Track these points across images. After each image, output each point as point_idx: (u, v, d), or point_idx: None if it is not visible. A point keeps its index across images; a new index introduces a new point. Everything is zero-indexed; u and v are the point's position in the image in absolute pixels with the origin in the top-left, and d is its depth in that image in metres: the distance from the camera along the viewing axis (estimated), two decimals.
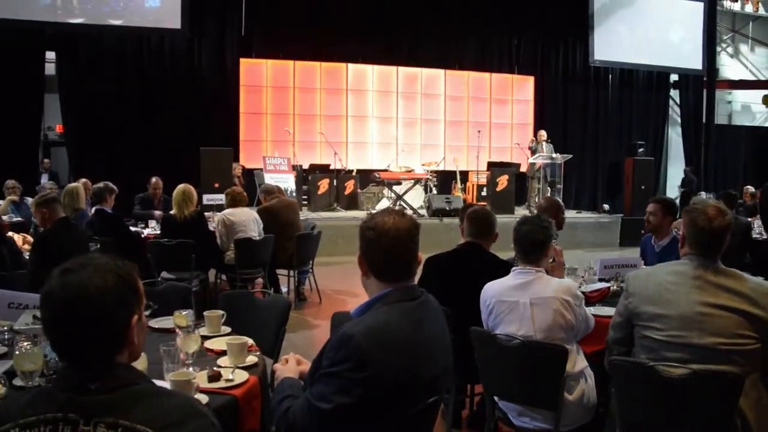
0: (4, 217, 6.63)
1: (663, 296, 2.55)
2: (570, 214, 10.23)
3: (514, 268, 3.15)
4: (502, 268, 3.62)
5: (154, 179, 8.35)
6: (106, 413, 1.34)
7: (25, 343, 2.26)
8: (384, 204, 11.51)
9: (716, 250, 2.57)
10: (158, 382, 2.15)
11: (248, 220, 6.57)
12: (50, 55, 11.83)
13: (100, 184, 6.55)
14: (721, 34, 17.25)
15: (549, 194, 12.04)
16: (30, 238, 5.58)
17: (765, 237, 7.54)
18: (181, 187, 6.38)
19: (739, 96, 18.58)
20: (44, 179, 11.50)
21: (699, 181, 15.43)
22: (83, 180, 7.70)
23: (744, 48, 18.36)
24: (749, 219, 7.74)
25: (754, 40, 18.34)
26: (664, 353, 2.47)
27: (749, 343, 2.43)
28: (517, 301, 3.00)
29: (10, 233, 5.49)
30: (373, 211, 2.20)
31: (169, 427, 1.35)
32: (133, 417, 1.35)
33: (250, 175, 11.78)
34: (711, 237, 2.55)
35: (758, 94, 18.07)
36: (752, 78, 18.30)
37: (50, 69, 11.86)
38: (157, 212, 7.76)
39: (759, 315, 2.43)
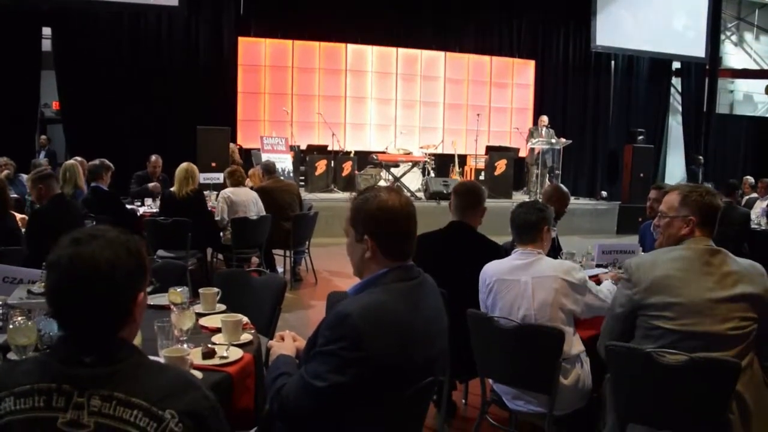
0: None
1: (672, 285, 2.51)
2: None
3: (515, 250, 3.14)
4: (490, 249, 3.62)
5: (153, 157, 8.30)
6: (101, 386, 1.34)
7: (19, 318, 2.25)
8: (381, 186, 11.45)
9: (714, 227, 2.60)
10: (153, 358, 2.14)
11: (249, 201, 6.56)
12: (46, 31, 11.70)
13: (96, 162, 6.51)
14: (725, 22, 17.11)
15: (548, 180, 12.04)
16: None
17: (762, 227, 7.56)
18: (184, 165, 6.37)
19: (742, 85, 18.48)
20: (42, 156, 11.45)
21: (703, 173, 15.35)
22: (78, 158, 7.65)
23: (749, 36, 18.23)
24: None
25: (760, 28, 18.17)
26: (676, 343, 2.44)
27: (752, 325, 2.46)
28: (518, 280, 3.00)
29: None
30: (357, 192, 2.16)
31: (163, 400, 1.35)
32: (127, 389, 1.35)
33: (247, 154, 11.74)
34: (713, 214, 2.59)
35: (761, 84, 17.95)
36: (756, 67, 18.16)
37: (46, 45, 11.75)
38: (152, 184, 7.72)
39: (758, 293, 2.46)
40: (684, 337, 2.45)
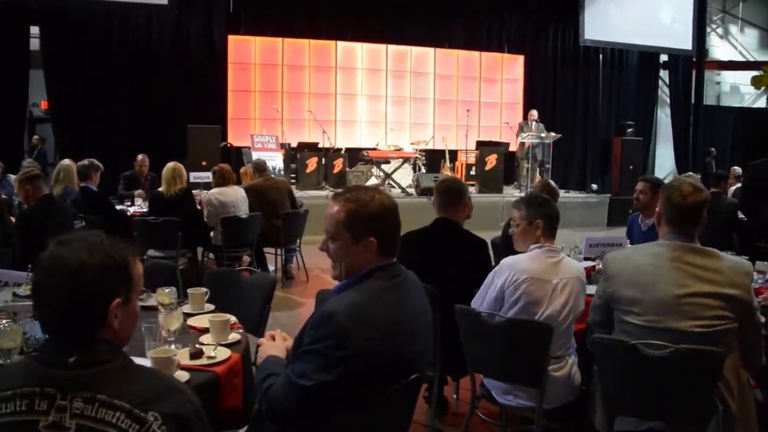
0: None
1: (641, 280, 2.53)
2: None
3: (538, 246, 3.07)
4: (474, 245, 3.63)
5: (140, 156, 8.28)
6: (84, 388, 1.35)
7: (4, 321, 2.24)
8: (372, 183, 11.47)
9: (692, 226, 2.55)
10: (140, 359, 2.14)
11: (237, 200, 6.53)
12: (34, 29, 11.61)
13: (85, 162, 6.49)
14: (711, 15, 17.19)
15: (538, 174, 12.07)
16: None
17: None
18: (170, 164, 6.35)
19: (728, 77, 18.59)
20: (34, 156, 11.39)
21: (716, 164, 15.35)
22: (66, 160, 7.60)
23: (734, 29, 18.33)
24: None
25: (744, 21, 18.30)
26: (643, 338, 2.45)
27: (726, 324, 2.43)
28: (550, 281, 2.96)
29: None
30: (338, 191, 2.18)
31: (146, 403, 1.35)
32: (111, 392, 1.35)
33: (238, 153, 11.72)
34: (686, 213, 2.54)
35: (747, 75, 18.09)
36: (741, 59, 18.29)
37: (34, 44, 11.66)
38: (138, 191, 7.68)
39: (735, 295, 2.42)
40: (650, 333, 2.45)
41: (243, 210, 6.52)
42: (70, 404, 1.33)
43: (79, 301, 1.40)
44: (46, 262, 1.42)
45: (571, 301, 2.96)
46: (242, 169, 8.18)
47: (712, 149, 15.84)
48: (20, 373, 1.39)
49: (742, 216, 7.42)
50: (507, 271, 3.01)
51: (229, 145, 11.95)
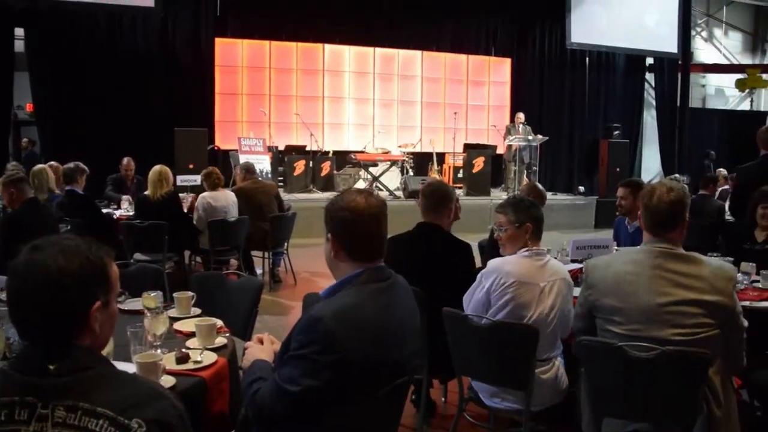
0: None
1: (622, 288, 2.51)
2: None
3: (527, 249, 3.06)
4: (458, 249, 3.62)
5: (125, 160, 8.24)
6: (65, 396, 1.33)
7: None
8: (360, 186, 11.47)
9: (667, 228, 2.51)
10: (126, 365, 2.13)
11: (229, 205, 6.52)
12: (19, 31, 11.51)
13: (71, 165, 6.45)
14: (695, 18, 17.32)
15: (525, 176, 12.11)
16: None
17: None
18: (156, 167, 6.33)
19: (713, 80, 18.74)
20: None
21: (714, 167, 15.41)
22: (52, 163, 7.55)
23: (718, 32, 18.49)
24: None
25: (728, 25, 18.46)
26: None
27: (708, 331, 2.42)
28: (537, 284, 2.95)
29: None
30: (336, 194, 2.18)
31: (129, 410, 1.33)
32: (93, 400, 1.33)
33: (225, 155, 11.68)
34: (660, 215, 2.50)
35: (731, 78, 18.24)
36: (726, 62, 18.45)
37: (19, 46, 11.55)
38: (125, 196, 7.64)
39: (717, 301, 2.41)
40: (631, 341, 2.43)
41: (233, 214, 6.50)
42: (52, 413, 1.31)
43: (60, 307, 1.38)
44: (20, 268, 1.38)
45: (558, 303, 2.96)
46: (235, 172, 8.16)
47: (712, 152, 15.93)
48: None
49: (729, 217, 7.48)
50: (494, 273, 3.01)
51: (216, 148, 11.92)
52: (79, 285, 1.39)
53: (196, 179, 7.74)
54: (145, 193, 6.35)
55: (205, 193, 6.58)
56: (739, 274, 3.48)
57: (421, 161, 13.24)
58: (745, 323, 2.55)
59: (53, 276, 1.36)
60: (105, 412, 1.32)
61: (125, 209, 7.13)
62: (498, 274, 2.99)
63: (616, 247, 4.33)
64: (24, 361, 1.40)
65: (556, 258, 4.11)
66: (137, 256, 5.99)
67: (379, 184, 11.42)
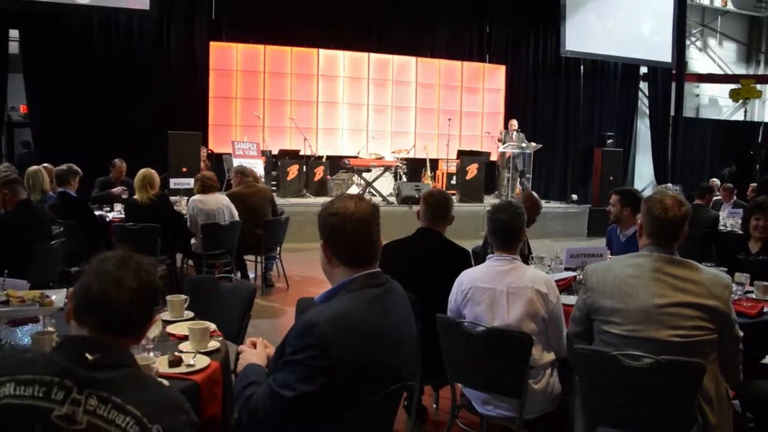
0: None
1: (621, 290, 2.54)
2: None
3: (490, 256, 3.13)
4: (460, 255, 3.64)
5: (117, 161, 8.20)
6: (101, 387, 1.39)
7: None
8: (353, 191, 11.47)
9: (673, 239, 2.56)
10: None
11: (219, 208, 6.48)
12: (14, 33, 11.48)
13: (64, 167, 6.41)
14: (690, 28, 17.43)
15: (518, 184, 12.14)
16: None
17: (728, 229, 7.66)
18: (141, 171, 6.29)
19: (707, 89, 18.83)
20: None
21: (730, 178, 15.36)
22: (46, 164, 7.50)
23: (712, 42, 18.60)
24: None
25: (723, 35, 18.58)
26: (623, 348, 2.46)
27: (705, 334, 2.44)
28: (495, 289, 2.99)
29: None
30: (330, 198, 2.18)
31: (154, 415, 1.40)
32: (124, 397, 1.40)
33: (218, 159, 11.66)
34: (667, 227, 2.55)
35: (725, 88, 18.36)
36: (720, 72, 18.56)
37: (14, 48, 11.52)
38: (115, 189, 7.60)
39: (714, 306, 2.44)
40: (630, 342, 2.46)
41: (225, 218, 6.46)
42: (86, 400, 1.37)
43: (132, 322, 1.53)
44: (113, 277, 1.51)
45: (525, 309, 2.93)
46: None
47: (733, 165, 15.91)
48: (41, 362, 1.43)
49: (722, 227, 7.52)
50: (457, 283, 3.14)
51: (210, 151, 11.89)
52: (153, 300, 1.58)
53: (190, 182, 7.71)
54: (134, 197, 6.32)
55: (195, 196, 6.56)
56: (734, 285, 3.48)
57: (415, 167, 13.25)
58: (741, 333, 2.56)
59: (134, 293, 1.51)
60: (134, 411, 1.39)
61: (118, 212, 7.10)
62: (461, 281, 3.12)
63: (609, 256, 4.33)
64: (67, 350, 1.46)
65: (549, 266, 4.13)
66: None
67: (372, 190, 11.42)
